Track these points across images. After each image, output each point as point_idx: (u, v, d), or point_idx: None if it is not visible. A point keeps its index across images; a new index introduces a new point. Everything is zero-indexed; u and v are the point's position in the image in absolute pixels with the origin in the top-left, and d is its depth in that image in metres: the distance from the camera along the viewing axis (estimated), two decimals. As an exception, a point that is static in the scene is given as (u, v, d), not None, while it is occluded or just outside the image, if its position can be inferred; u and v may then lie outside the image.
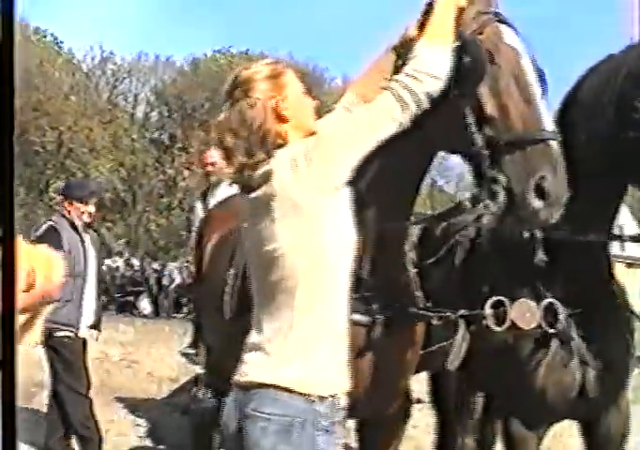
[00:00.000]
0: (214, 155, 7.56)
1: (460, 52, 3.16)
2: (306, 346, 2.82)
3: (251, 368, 2.86)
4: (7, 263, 1.70)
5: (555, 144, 3.12)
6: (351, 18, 75.21)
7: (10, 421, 1.82)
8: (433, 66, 2.93)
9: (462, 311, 3.58)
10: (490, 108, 3.20)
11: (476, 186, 3.26)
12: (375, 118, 2.85)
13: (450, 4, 3.15)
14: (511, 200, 3.11)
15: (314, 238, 2.78)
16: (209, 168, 7.91)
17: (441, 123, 3.23)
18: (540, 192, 3.06)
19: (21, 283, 5.61)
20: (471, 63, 3.18)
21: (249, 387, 2.82)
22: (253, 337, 2.90)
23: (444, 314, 3.61)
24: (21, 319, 6.02)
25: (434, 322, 3.63)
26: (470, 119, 3.18)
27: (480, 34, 3.24)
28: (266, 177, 2.79)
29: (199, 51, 56.31)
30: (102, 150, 47.97)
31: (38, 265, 6.15)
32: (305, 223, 2.76)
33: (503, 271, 4.08)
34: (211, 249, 5.24)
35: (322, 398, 2.81)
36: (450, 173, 50.36)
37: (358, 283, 3.52)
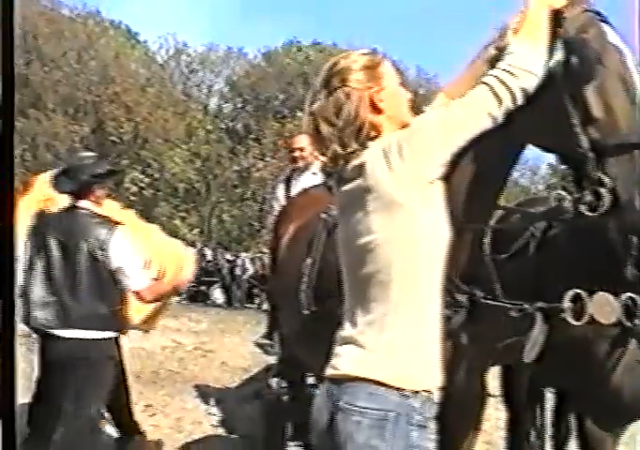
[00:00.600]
0: (303, 140, 7.56)
1: (567, 51, 3.12)
2: (401, 340, 2.79)
3: (346, 362, 2.82)
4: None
5: None
6: (423, 8, 74.77)
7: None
8: (528, 62, 2.91)
9: (540, 304, 3.53)
10: (596, 109, 3.12)
11: (577, 187, 3.21)
12: (471, 113, 2.82)
13: (544, 3, 3.11)
14: (616, 203, 3.05)
15: (410, 232, 2.74)
16: (297, 153, 7.88)
17: (540, 120, 3.19)
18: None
19: (152, 274, 5.87)
20: (579, 63, 3.13)
21: (342, 380, 2.79)
22: (347, 330, 2.87)
23: (522, 306, 3.57)
24: (151, 307, 6.23)
25: (514, 314, 3.59)
26: (575, 120, 3.13)
27: (585, 33, 3.18)
28: (360, 170, 2.77)
29: (270, 42, 56.54)
30: (177, 141, 48.43)
31: (169, 261, 6.36)
32: (401, 217, 2.73)
33: (582, 267, 4.02)
34: (288, 239, 5.26)
35: (416, 393, 2.79)
36: (524, 166, 49.97)
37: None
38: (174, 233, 44.01)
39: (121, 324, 5.39)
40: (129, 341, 13.06)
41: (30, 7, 46.89)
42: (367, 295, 2.81)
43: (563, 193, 3.48)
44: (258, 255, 31.15)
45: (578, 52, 3.12)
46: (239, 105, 54.75)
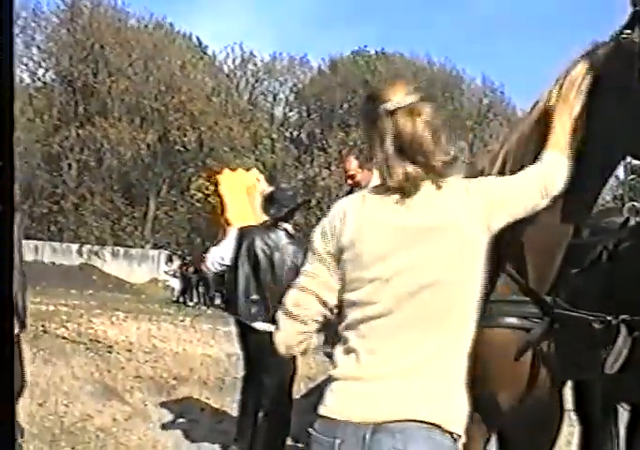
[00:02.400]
0: (353, 164, 7.64)
1: None
2: (451, 380, 2.71)
3: (398, 402, 2.60)
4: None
5: None
6: (488, 18, 74.41)
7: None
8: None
9: (624, 316, 3.46)
10: None
11: None
12: (528, 194, 3.02)
13: (566, 114, 3.25)
14: None
15: (471, 272, 2.72)
16: (349, 181, 7.91)
17: (634, 128, 3.13)
18: None
19: None
20: None
21: (391, 422, 2.56)
22: (397, 365, 2.65)
23: (605, 318, 3.49)
24: None
25: (596, 325, 3.52)
26: None
27: None
28: (435, 203, 2.73)
29: (336, 51, 56.67)
30: (243, 149, 48.71)
31: None
32: (467, 256, 2.70)
33: None
34: None
35: (460, 437, 2.67)
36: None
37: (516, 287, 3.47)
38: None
39: None
40: (197, 349, 13.19)
41: (97, 18, 47.60)
42: (420, 330, 2.67)
43: (638, 206, 3.44)
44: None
45: None
46: (304, 114, 54.94)
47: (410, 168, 2.73)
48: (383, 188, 2.82)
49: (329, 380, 2.72)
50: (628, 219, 4.01)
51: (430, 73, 53.24)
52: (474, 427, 3.73)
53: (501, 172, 3.63)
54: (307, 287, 2.81)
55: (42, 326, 13.61)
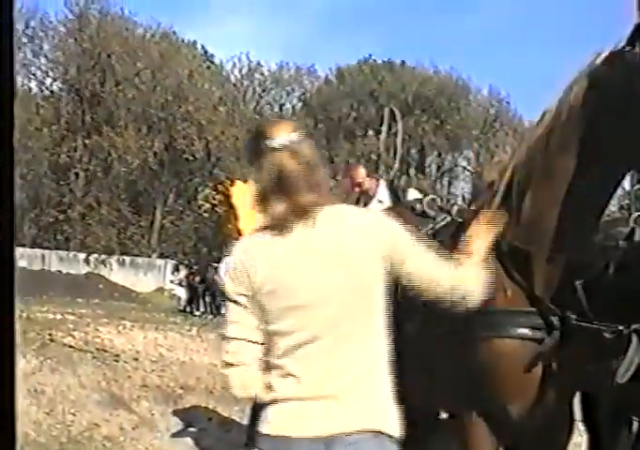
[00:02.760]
0: (362, 173, 7.84)
1: None
2: (386, 391, 2.92)
3: (345, 415, 2.82)
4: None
5: None
6: (497, 28, 74.48)
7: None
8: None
9: (635, 325, 3.46)
10: None
11: None
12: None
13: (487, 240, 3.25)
14: None
15: (376, 289, 2.94)
16: (356, 189, 8.01)
17: (630, 142, 3.15)
18: None
19: None
20: None
21: (343, 435, 2.80)
22: (337, 383, 2.86)
23: (617, 328, 3.50)
24: None
25: (607, 335, 3.52)
26: None
27: None
28: (329, 231, 2.95)
29: (342, 61, 56.72)
30: (250, 159, 48.71)
31: None
32: (371, 276, 2.92)
33: None
34: None
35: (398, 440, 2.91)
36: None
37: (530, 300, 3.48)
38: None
39: None
40: (204, 358, 13.17)
41: (105, 28, 47.71)
42: (347, 353, 2.88)
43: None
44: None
45: None
46: (311, 124, 54.98)
47: (289, 202, 2.91)
48: (273, 223, 2.97)
49: (269, 403, 2.89)
50: (634, 230, 4.02)
51: (436, 82, 53.24)
52: (484, 438, 3.75)
53: (509, 184, 3.65)
54: (236, 336, 2.96)
55: (49, 335, 13.58)
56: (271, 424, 2.87)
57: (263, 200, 2.95)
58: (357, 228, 2.93)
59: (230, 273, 2.98)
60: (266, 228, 2.99)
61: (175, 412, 8.87)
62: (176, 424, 8.41)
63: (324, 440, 2.78)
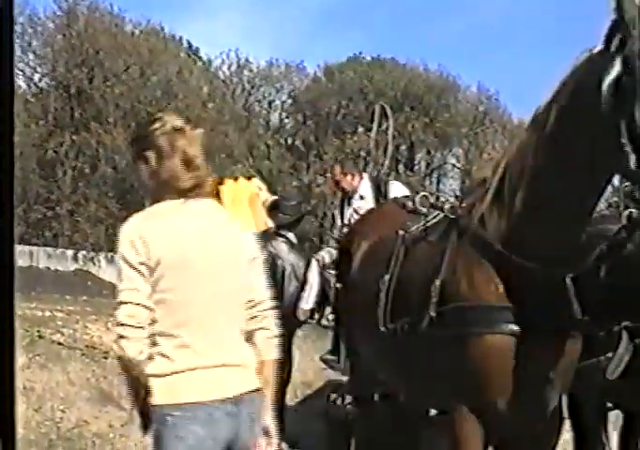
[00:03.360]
0: (337, 172, 8.16)
1: (622, 68, 3.05)
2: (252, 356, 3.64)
3: (241, 378, 3.46)
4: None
5: None
6: (484, 25, 74.52)
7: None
8: None
9: (625, 323, 3.47)
10: None
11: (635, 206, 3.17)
12: None
13: None
14: None
15: (247, 271, 3.68)
16: (335, 187, 8.16)
17: (605, 142, 3.14)
18: None
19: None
20: (627, 82, 3.05)
21: (243, 394, 3.44)
22: (238, 346, 3.51)
23: (607, 326, 3.50)
24: None
25: (598, 333, 3.53)
26: (625, 139, 3.05)
27: None
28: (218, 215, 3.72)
29: (331, 58, 56.67)
30: (239, 156, 48.69)
31: None
32: (244, 259, 3.66)
33: None
34: (362, 256, 5.21)
35: None
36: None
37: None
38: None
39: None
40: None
41: (93, 24, 47.56)
42: (235, 325, 3.49)
43: (635, 212, 3.47)
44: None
45: (630, 71, 3.04)
46: (300, 120, 54.90)
47: (191, 176, 3.42)
48: (170, 199, 3.48)
49: (169, 374, 3.30)
50: (625, 227, 4.02)
51: (426, 79, 53.21)
52: (474, 435, 3.74)
53: (502, 181, 3.66)
54: (132, 301, 3.29)
55: (38, 332, 13.57)
56: (182, 392, 3.28)
57: (168, 177, 3.48)
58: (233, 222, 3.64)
59: (132, 241, 3.25)
60: (168, 202, 3.47)
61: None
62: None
63: (232, 400, 3.36)
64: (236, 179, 9.02)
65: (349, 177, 8.09)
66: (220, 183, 8.88)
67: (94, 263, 41.86)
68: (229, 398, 3.35)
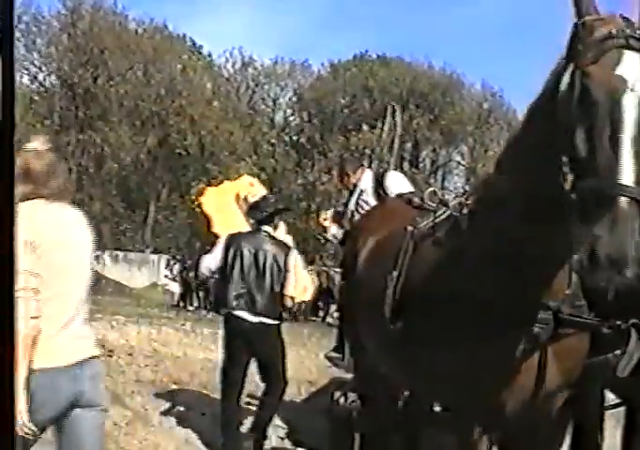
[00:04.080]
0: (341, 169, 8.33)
1: (570, 83, 2.99)
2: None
3: (83, 346, 3.98)
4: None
5: (625, 202, 2.84)
6: (490, 23, 74.52)
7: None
8: None
9: (634, 320, 3.44)
10: (581, 148, 2.93)
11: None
12: None
13: None
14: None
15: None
16: (354, 179, 8.10)
17: (555, 153, 3.08)
18: (593, 254, 2.82)
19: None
20: (578, 96, 2.98)
21: (85, 360, 3.94)
22: (80, 318, 4.02)
23: (614, 323, 3.47)
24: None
25: (605, 331, 3.49)
26: (565, 158, 2.99)
27: (594, 62, 2.99)
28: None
29: (336, 56, 56.65)
30: (243, 154, 48.71)
31: (306, 280, 8.45)
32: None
33: None
34: (369, 252, 5.16)
35: None
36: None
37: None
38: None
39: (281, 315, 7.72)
40: (198, 353, 13.15)
41: (98, 23, 47.62)
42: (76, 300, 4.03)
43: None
44: (323, 268, 31.12)
45: (575, 87, 2.97)
46: (305, 118, 54.93)
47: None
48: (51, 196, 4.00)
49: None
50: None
51: (430, 77, 53.23)
52: (481, 431, 3.72)
53: (499, 173, 3.64)
54: (28, 286, 3.69)
55: (43, 330, 13.56)
56: (40, 360, 3.69)
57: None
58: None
59: (24, 228, 3.46)
60: (47, 200, 3.97)
61: (169, 408, 8.85)
62: (170, 419, 8.39)
63: (77, 364, 3.88)
64: (218, 184, 9.43)
65: (359, 171, 8.11)
66: (201, 194, 9.40)
67: (98, 262, 41.90)
68: (76, 363, 3.90)
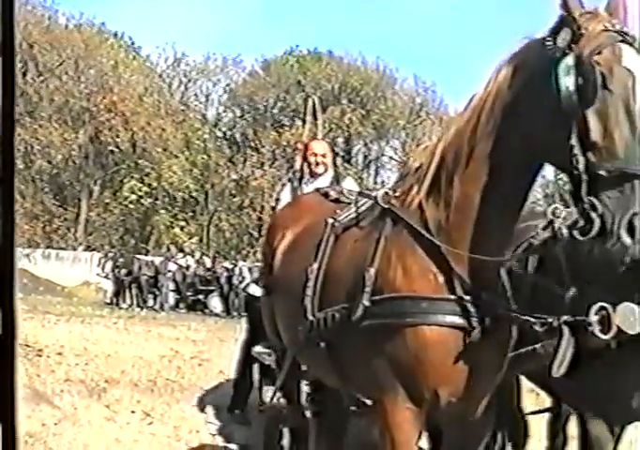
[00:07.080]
0: (325, 147, 7.72)
1: (577, 71, 3.09)
2: None
3: None
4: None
5: None
6: (422, 17, 74.97)
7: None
8: None
9: (565, 317, 3.47)
10: (595, 134, 3.08)
11: (574, 205, 3.17)
12: None
13: None
14: (603, 229, 3.01)
15: None
16: (318, 158, 7.85)
17: (551, 136, 3.17)
18: (632, 229, 2.96)
19: None
20: (584, 85, 3.09)
21: None
22: None
23: (546, 320, 3.50)
24: None
25: (537, 328, 3.52)
26: (574, 141, 3.09)
27: (599, 53, 3.12)
28: None
29: (269, 51, 56.57)
30: (175, 150, 48.47)
31: None
32: None
33: (582, 279, 4.02)
34: (287, 245, 5.15)
35: None
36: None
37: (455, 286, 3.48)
38: (173, 242, 44.20)
39: None
40: (129, 350, 13.06)
41: (26, 17, 46.95)
42: None
43: (560, 208, 3.48)
44: (257, 264, 31.09)
45: (585, 75, 3.07)
46: (238, 114, 54.80)
47: None
48: None
49: None
50: (551, 222, 4.01)
51: (363, 72, 53.38)
52: (407, 423, 3.74)
53: (439, 167, 3.66)
54: None
55: (-30, 330, 13.38)
56: None
57: None
58: None
59: None
60: None
61: (98, 406, 8.78)
62: (99, 418, 8.32)
63: None
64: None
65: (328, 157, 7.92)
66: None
67: (29, 260, 41.35)
68: None
